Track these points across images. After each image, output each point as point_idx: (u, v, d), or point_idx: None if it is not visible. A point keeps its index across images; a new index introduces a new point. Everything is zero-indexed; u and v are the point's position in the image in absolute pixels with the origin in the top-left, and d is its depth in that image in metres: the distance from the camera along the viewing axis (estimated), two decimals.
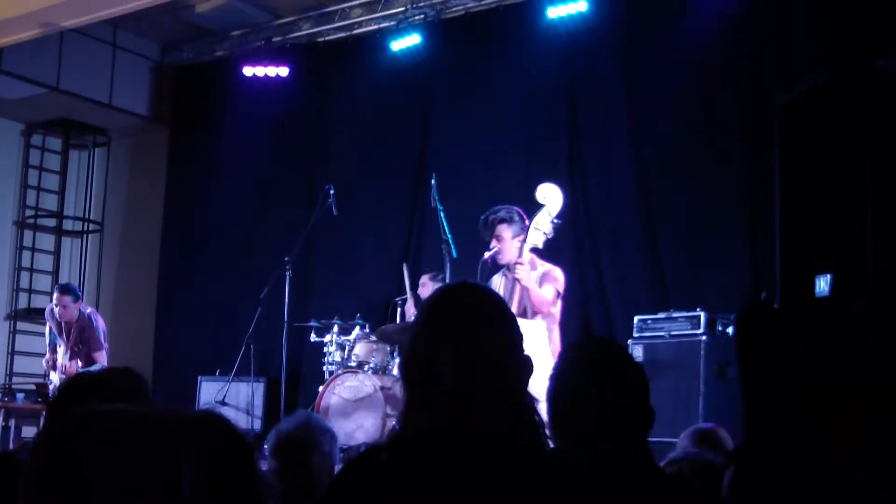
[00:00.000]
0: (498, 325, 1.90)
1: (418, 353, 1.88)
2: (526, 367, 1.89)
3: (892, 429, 2.79)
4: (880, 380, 2.95)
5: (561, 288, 5.70)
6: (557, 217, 5.51)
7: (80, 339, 8.04)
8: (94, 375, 2.52)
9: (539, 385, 4.92)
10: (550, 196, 5.51)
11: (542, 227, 5.47)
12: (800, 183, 3.74)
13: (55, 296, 8.18)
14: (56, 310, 8.07)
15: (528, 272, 5.47)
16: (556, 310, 5.76)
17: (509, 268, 5.69)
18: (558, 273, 5.72)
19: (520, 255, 5.52)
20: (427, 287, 8.01)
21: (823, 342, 3.27)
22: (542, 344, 5.26)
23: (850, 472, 2.55)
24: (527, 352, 1.91)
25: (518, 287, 5.52)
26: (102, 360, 8.02)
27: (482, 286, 2.04)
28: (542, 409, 1.90)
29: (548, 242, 5.61)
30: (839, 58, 6.34)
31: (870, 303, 3.26)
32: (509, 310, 1.99)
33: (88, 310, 8.28)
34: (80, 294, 8.36)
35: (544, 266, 5.73)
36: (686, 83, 7.80)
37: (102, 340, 8.08)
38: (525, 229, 5.60)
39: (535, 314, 5.57)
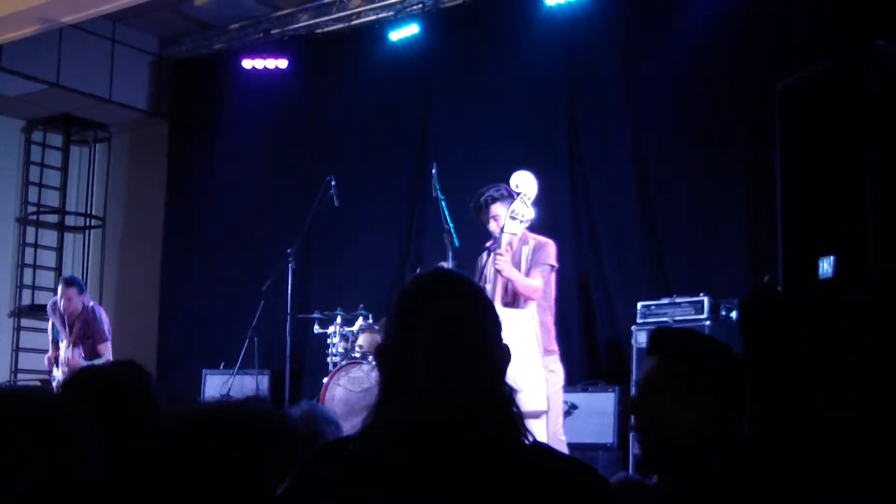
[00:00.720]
0: (472, 312, 1.84)
1: (391, 342, 1.85)
2: (503, 355, 1.84)
3: (893, 420, 2.79)
4: (883, 367, 2.95)
5: (553, 262, 5.63)
6: (534, 203, 5.49)
7: (85, 331, 8.05)
8: (98, 370, 2.53)
9: (523, 374, 4.90)
10: (524, 183, 5.47)
11: (518, 215, 5.45)
12: (800, 167, 3.74)
13: (59, 288, 8.18)
14: (60, 303, 8.06)
15: (508, 263, 5.44)
16: (551, 287, 5.71)
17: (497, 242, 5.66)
18: (550, 249, 5.63)
19: (499, 243, 5.49)
20: None
21: (827, 327, 3.27)
22: (528, 332, 5.22)
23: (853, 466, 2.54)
24: (512, 341, 1.87)
25: (514, 260, 5.52)
26: (107, 351, 8.02)
27: (457, 272, 2.00)
28: (522, 399, 1.86)
29: (531, 229, 5.62)
30: (839, 43, 6.32)
31: (872, 287, 3.25)
32: (485, 296, 1.94)
33: (92, 303, 8.29)
34: (84, 286, 8.34)
35: (534, 239, 5.67)
36: (685, 70, 7.78)
37: (107, 333, 8.09)
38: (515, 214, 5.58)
39: (526, 301, 5.53)
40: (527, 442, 1.78)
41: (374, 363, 7.29)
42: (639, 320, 7.13)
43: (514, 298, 5.53)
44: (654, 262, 7.81)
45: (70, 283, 8.20)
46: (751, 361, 3.43)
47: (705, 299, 6.80)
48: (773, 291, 3.77)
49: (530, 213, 5.46)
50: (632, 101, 8.07)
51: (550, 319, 5.68)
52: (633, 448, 6.83)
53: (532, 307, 5.49)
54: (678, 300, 6.98)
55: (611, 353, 7.82)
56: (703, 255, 7.56)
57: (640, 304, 7.19)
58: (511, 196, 5.61)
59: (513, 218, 5.43)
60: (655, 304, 7.11)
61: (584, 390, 7.31)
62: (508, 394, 1.81)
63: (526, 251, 5.61)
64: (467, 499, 1.67)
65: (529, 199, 5.45)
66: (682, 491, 2.22)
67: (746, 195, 7.33)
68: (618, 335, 7.73)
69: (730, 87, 7.56)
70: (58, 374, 8.10)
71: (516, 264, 5.56)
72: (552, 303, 5.72)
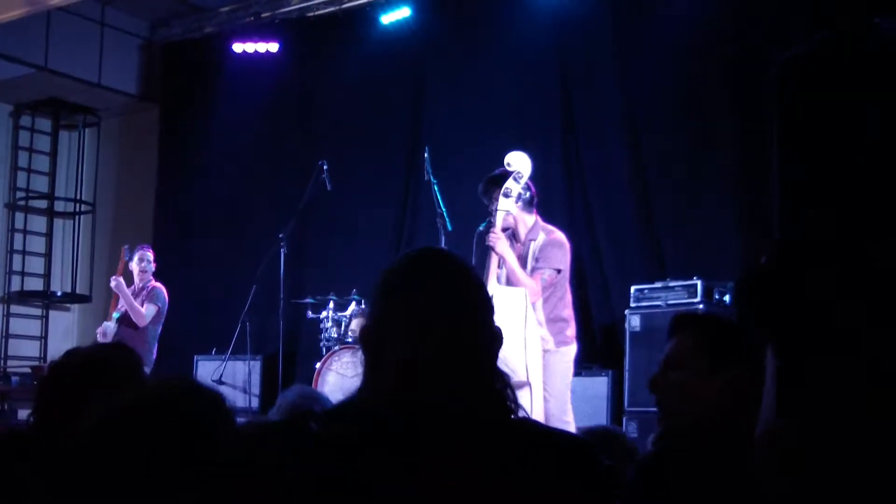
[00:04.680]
0: (454, 288, 1.78)
1: (372, 320, 1.80)
2: (491, 336, 1.78)
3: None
4: (883, 352, 2.92)
5: (558, 265, 5.54)
6: (527, 184, 5.50)
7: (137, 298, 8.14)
8: (86, 352, 2.49)
9: (511, 356, 4.94)
10: (517, 162, 5.49)
11: (511, 192, 5.45)
12: (798, 147, 3.70)
13: (148, 253, 8.30)
14: (141, 265, 8.24)
15: (502, 240, 5.41)
16: (564, 284, 5.65)
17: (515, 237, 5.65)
18: (558, 251, 5.55)
19: (494, 222, 5.49)
20: None
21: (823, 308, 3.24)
22: (518, 313, 5.20)
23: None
24: (498, 316, 1.82)
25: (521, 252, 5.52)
26: (143, 314, 8.02)
27: (447, 250, 1.95)
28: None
29: (526, 207, 5.60)
30: (834, 20, 6.28)
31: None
32: (475, 276, 1.86)
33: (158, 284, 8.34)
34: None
35: (546, 235, 5.62)
36: (679, 53, 7.75)
37: (159, 304, 8.13)
38: (524, 189, 5.56)
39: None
40: (513, 416, 1.73)
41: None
42: (632, 304, 7.11)
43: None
44: (650, 246, 7.79)
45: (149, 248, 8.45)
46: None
47: (699, 283, 6.78)
48: (770, 272, 3.73)
49: (521, 190, 5.47)
50: (626, 83, 8.03)
51: (565, 311, 5.64)
52: (627, 431, 6.82)
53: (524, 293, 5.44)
54: (672, 284, 6.96)
55: (605, 336, 7.80)
56: (698, 239, 7.54)
57: (633, 288, 7.17)
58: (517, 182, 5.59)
59: (506, 196, 5.44)
60: (649, 288, 7.08)
61: (578, 374, 7.28)
62: (495, 372, 1.75)
63: (534, 247, 5.58)
64: (433, 474, 1.61)
65: (522, 177, 5.45)
66: (700, 470, 2.19)
67: (742, 178, 7.30)
68: (613, 319, 7.71)
69: (724, 68, 7.53)
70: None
71: (522, 259, 5.54)
72: (565, 296, 5.66)
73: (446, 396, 1.67)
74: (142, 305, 8.06)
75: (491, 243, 5.39)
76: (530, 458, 1.65)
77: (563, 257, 5.59)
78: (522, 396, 5.01)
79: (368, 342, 1.79)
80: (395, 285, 1.82)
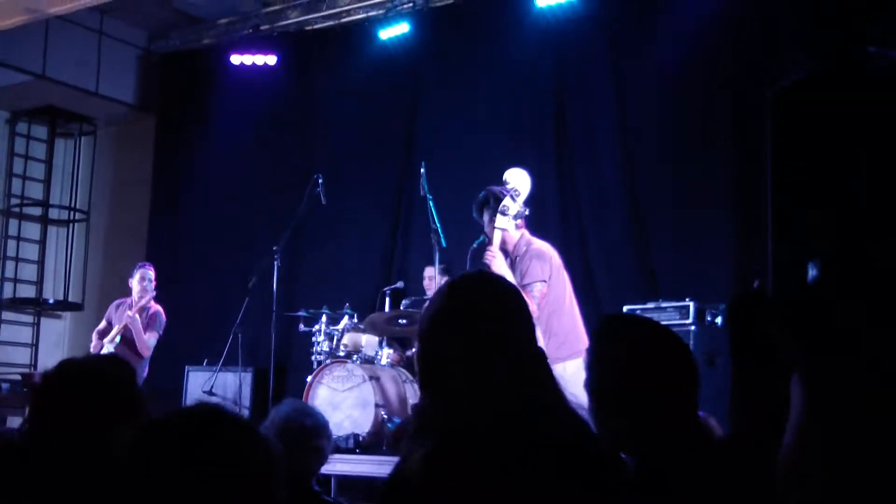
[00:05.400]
0: (523, 318, 1.89)
1: (439, 346, 1.85)
2: (522, 352, 1.86)
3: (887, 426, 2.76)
4: (875, 370, 2.93)
5: (540, 277, 5.53)
6: (525, 201, 5.52)
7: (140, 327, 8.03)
8: (80, 363, 2.49)
9: None
10: (515, 180, 5.51)
11: (509, 210, 5.47)
12: (791, 171, 3.73)
13: (150, 271, 8.17)
14: (142, 284, 8.05)
15: (500, 259, 5.43)
16: (556, 294, 5.63)
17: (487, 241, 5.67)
18: (535, 264, 5.53)
19: (491, 241, 5.51)
20: (434, 280, 7.74)
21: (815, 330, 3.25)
22: None
23: None
24: None
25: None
26: (147, 345, 7.98)
27: (497, 276, 2.01)
28: None
29: (525, 223, 5.63)
30: (830, 44, 6.33)
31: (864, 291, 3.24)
32: (525, 301, 1.97)
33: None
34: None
35: (528, 249, 5.62)
36: (674, 71, 7.78)
37: (159, 331, 8.07)
38: (523, 207, 5.57)
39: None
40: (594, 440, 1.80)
41: (357, 362, 7.27)
42: None
43: None
44: (642, 266, 7.80)
45: (151, 266, 8.29)
46: (736, 361, 3.41)
47: (691, 304, 6.78)
48: (762, 294, 3.76)
49: (519, 209, 5.48)
50: (620, 101, 8.07)
51: (559, 324, 5.60)
52: None
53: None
54: (664, 304, 6.96)
55: None
56: (691, 260, 7.55)
57: (625, 308, 7.17)
58: (498, 199, 5.59)
59: (503, 213, 5.46)
60: (641, 308, 7.07)
61: None
62: (520, 381, 1.82)
63: (518, 263, 5.59)
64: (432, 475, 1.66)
65: (519, 195, 5.47)
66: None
67: (735, 199, 7.33)
68: None
69: (719, 87, 7.56)
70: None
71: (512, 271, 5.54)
72: (560, 307, 5.64)
73: (451, 403, 1.72)
74: (143, 328, 8.00)
75: (487, 261, 5.40)
76: (532, 463, 1.69)
77: (543, 266, 5.56)
78: None
79: (435, 372, 1.86)
80: (464, 317, 1.88)
